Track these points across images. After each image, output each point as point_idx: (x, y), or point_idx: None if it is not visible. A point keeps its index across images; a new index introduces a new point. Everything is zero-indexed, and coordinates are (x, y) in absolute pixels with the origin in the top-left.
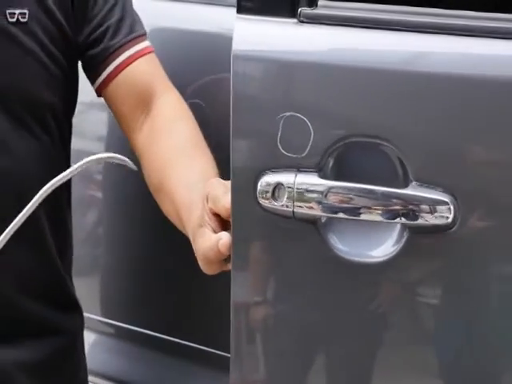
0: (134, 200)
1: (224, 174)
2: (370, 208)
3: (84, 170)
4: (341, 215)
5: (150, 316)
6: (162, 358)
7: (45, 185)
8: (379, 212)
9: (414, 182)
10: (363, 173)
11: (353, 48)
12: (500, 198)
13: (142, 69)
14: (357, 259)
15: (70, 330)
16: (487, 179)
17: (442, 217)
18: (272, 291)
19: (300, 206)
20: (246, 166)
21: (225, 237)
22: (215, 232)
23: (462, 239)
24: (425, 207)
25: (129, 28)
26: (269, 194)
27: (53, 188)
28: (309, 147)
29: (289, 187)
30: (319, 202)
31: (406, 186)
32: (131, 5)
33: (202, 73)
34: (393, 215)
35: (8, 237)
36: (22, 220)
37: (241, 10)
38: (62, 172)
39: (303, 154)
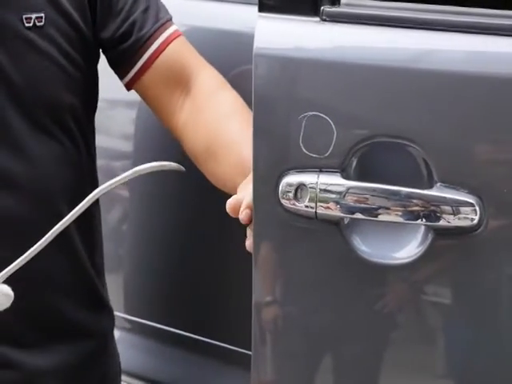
0: (163, 199)
1: None
2: (393, 209)
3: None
4: (363, 216)
5: (177, 314)
6: (189, 356)
7: (66, 188)
8: (404, 213)
9: (438, 184)
10: (387, 173)
11: (376, 46)
12: None
13: (175, 52)
14: (380, 261)
15: (101, 331)
16: None
17: (467, 218)
18: (294, 291)
19: (323, 207)
20: (267, 166)
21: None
22: None
23: (488, 241)
24: (449, 208)
25: (155, 16)
26: (291, 195)
27: (97, 196)
28: (332, 147)
29: (311, 188)
30: (342, 203)
31: (430, 187)
32: None
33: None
34: (417, 217)
35: (41, 247)
36: (59, 230)
37: (263, 8)
38: (85, 176)
39: (326, 154)
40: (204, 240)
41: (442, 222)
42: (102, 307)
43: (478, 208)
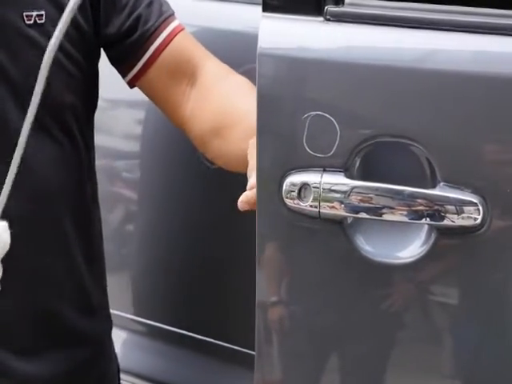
0: (170, 198)
1: None
2: (397, 209)
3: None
4: (367, 216)
5: (185, 315)
6: (196, 357)
7: (65, 189)
8: (407, 213)
9: (441, 183)
10: (390, 173)
11: (380, 46)
12: None
13: (180, 45)
14: (383, 260)
15: (98, 336)
16: None
17: (470, 218)
18: (297, 291)
19: (326, 207)
20: (271, 166)
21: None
22: None
23: (491, 241)
24: (452, 208)
25: (159, 10)
26: (294, 194)
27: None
28: (335, 147)
29: (315, 187)
30: (345, 203)
31: (433, 186)
32: None
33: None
34: (420, 216)
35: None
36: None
37: (266, 8)
38: (84, 176)
39: (329, 154)
40: (213, 241)
41: (445, 222)
42: (100, 312)
43: (481, 207)
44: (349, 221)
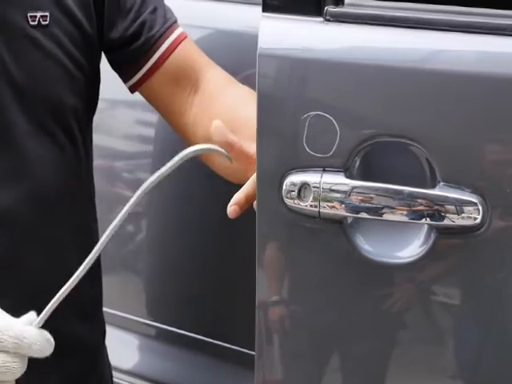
0: (171, 198)
1: None
2: (396, 208)
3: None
4: (367, 215)
5: (185, 316)
6: (196, 357)
7: (65, 192)
8: (406, 213)
9: (441, 183)
10: (390, 173)
11: (379, 47)
12: None
13: (184, 52)
14: (383, 260)
15: (94, 342)
16: None
17: (470, 218)
18: (297, 291)
19: (326, 206)
20: (271, 166)
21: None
22: None
23: (491, 240)
24: (452, 208)
25: (163, 17)
26: (294, 194)
27: (150, 188)
28: (335, 147)
29: (315, 187)
30: (345, 202)
31: (433, 186)
32: None
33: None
34: (420, 216)
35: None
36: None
37: (266, 8)
38: (83, 178)
39: (329, 154)
40: (220, 244)
41: (445, 222)
42: (95, 317)
43: (480, 207)
44: (349, 221)
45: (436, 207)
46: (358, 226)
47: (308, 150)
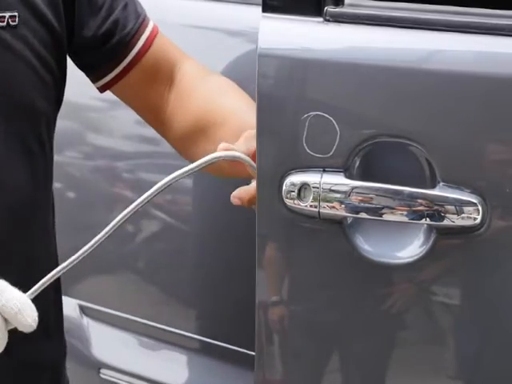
0: (171, 198)
1: None
2: (396, 209)
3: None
4: (367, 216)
5: (185, 316)
6: (196, 357)
7: (33, 197)
8: (406, 213)
9: (441, 183)
10: (390, 173)
11: (379, 47)
12: None
13: (159, 48)
14: (383, 260)
15: (50, 363)
16: None
17: (470, 218)
18: (297, 291)
19: (326, 207)
20: (271, 166)
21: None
22: None
23: (491, 241)
24: (452, 208)
25: (135, 12)
26: (294, 194)
27: (167, 185)
28: (335, 147)
29: (314, 187)
30: (345, 203)
31: (433, 186)
32: None
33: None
34: (420, 216)
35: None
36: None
37: (266, 8)
38: (48, 182)
39: (329, 154)
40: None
41: (445, 222)
42: (56, 334)
43: (480, 207)
44: (348, 221)
45: (436, 207)
46: (358, 227)
47: (308, 150)
